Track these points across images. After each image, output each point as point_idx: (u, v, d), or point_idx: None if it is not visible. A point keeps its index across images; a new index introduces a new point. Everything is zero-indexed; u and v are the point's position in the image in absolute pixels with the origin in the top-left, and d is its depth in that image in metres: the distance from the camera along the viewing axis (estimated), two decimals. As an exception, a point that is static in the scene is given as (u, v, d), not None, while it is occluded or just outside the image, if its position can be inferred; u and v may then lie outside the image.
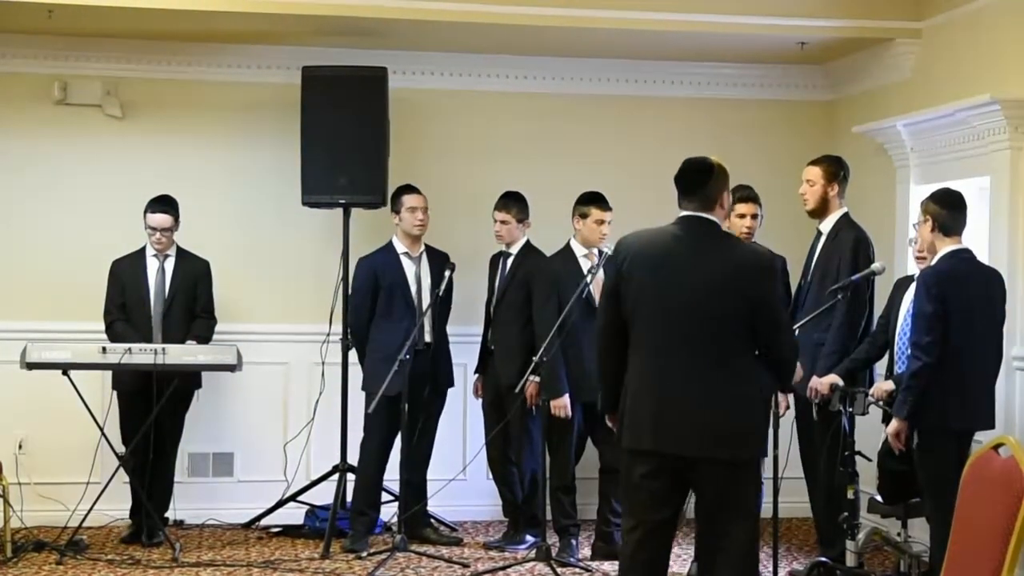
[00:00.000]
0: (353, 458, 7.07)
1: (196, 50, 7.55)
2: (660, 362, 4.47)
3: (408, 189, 7.01)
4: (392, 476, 6.95)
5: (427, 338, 6.88)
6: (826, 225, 6.27)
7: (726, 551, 4.48)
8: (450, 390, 7.20)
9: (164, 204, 6.92)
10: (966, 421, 5.45)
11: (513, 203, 7.02)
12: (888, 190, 7.25)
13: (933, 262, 5.53)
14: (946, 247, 5.48)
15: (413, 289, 6.93)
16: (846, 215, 6.26)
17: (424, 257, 7.01)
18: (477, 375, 7.26)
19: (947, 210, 5.50)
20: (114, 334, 6.83)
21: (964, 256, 5.49)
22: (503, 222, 7.00)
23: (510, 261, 7.02)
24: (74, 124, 7.52)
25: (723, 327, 4.44)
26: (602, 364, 4.71)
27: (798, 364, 6.16)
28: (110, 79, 7.53)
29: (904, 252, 6.97)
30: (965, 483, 4.34)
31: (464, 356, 7.31)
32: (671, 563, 6.44)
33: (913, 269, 6.19)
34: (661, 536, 4.59)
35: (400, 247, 6.98)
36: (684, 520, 5.02)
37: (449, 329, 7.17)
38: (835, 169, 6.28)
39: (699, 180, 4.56)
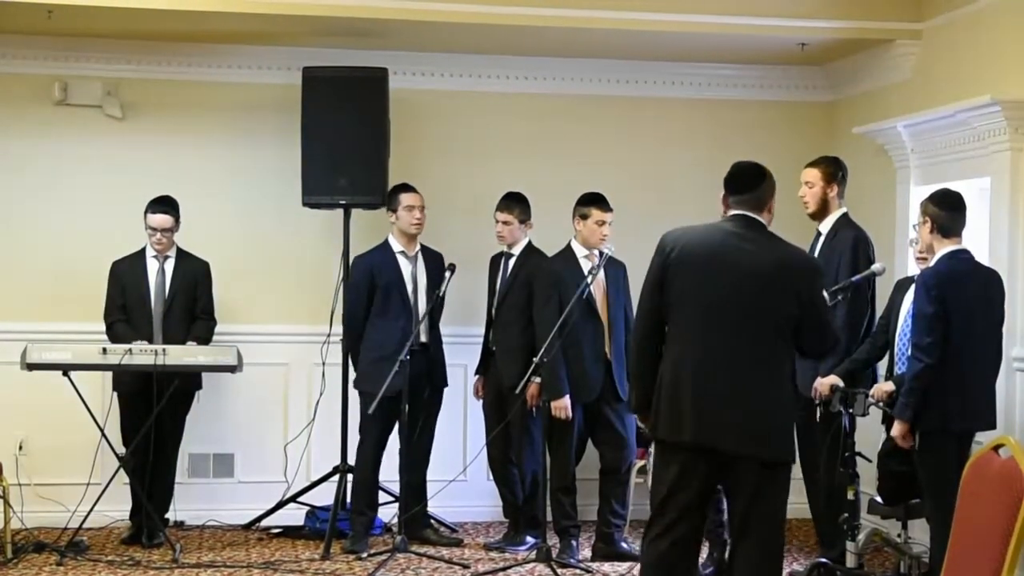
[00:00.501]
0: (353, 459, 7.07)
1: (196, 50, 7.55)
2: (703, 355, 4.49)
3: (405, 188, 7.01)
4: (392, 477, 6.95)
5: (423, 338, 6.88)
6: (825, 225, 6.27)
7: (754, 552, 4.52)
8: (450, 390, 7.19)
9: (164, 205, 6.92)
10: (967, 422, 5.46)
11: (515, 204, 7.02)
12: (888, 191, 7.25)
13: (932, 263, 5.53)
14: (945, 248, 5.48)
15: (409, 288, 6.92)
16: (845, 215, 6.26)
17: (420, 256, 7.01)
18: (478, 376, 7.25)
19: (946, 211, 5.50)
20: (115, 335, 6.84)
21: (963, 257, 5.49)
22: (505, 223, 7.00)
23: (512, 262, 7.02)
24: (74, 125, 7.52)
25: (768, 325, 4.49)
26: (639, 358, 4.71)
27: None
28: (110, 80, 7.53)
29: (904, 253, 6.96)
30: (965, 484, 4.34)
31: (465, 357, 7.31)
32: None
33: (914, 270, 6.19)
34: (690, 542, 4.60)
35: (396, 246, 6.98)
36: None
37: (450, 330, 7.18)
38: (833, 170, 6.28)
39: (753, 181, 4.66)
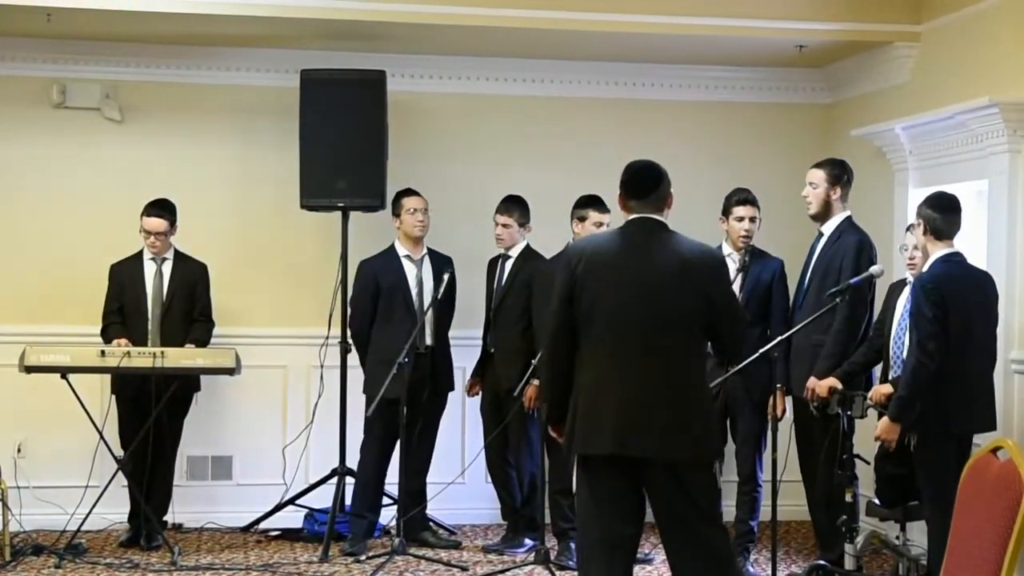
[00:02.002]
0: (352, 461, 7.07)
1: (195, 53, 7.55)
2: (618, 364, 4.43)
3: (408, 192, 7.02)
4: (392, 480, 6.95)
5: (428, 341, 6.88)
6: (828, 227, 6.26)
7: (709, 556, 4.44)
8: (450, 394, 7.20)
9: (159, 208, 6.91)
10: (968, 424, 5.46)
11: (515, 206, 7.02)
12: (886, 193, 7.25)
13: (926, 267, 5.53)
14: (938, 251, 5.48)
15: (414, 292, 6.93)
16: (848, 218, 6.26)
17: (426, 260, 7.01)
18: (474, 377, 7.24)
19: (940, 213, 5.50)
20: (108, 339, 6.83)
21: (956, 260, 5.50)
22: (504, 225, 7.00)
23: (509, 264, 7.02)
24: (73, 127, 7.53)
25: (680, 326, 4.44)
26: (553, 371, 4.62)
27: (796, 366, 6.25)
28: (109, 82, 7.54)
29: (903, 255, 6.96)
30: (963, 486, 4.34)
31: (464, 359, 7.31)
32: (660, 565, 6.48)
33: (906, 274, 6.19)
34: (623, 556, 4.49)
35: (402, 250, 6.99)
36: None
37: (449, 332, 7.17)
38: (839, 172, 6.27)
39: (652, 183, 4.59)
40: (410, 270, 6.96)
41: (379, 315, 6.91)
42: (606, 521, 4.46)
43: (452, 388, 7.16)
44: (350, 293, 7.09)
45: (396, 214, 7.00)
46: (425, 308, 6.85)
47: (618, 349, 4.44)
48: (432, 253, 7.05)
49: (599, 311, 4.47)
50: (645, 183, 4.60)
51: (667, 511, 4.46)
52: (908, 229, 5.96)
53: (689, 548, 4.46)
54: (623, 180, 4.65)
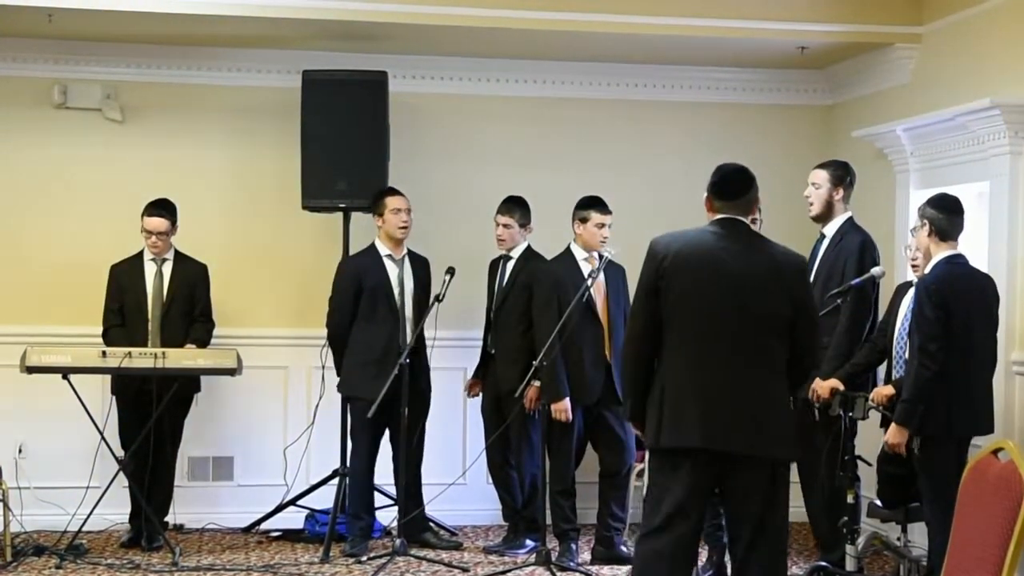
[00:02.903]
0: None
1: (196, 54, 7.56)
2: (704, 361, 4.46)
3: (390, 191, 7.00)
4: (391, 480, 6.95)
5: (410, 342, 6.86)
6: (830, 229, 6.26)
7: (767, 554, 4.49)
8: (449, 394, 7.21)
9: (160, 208, 6.91)
10: (970, 427, 5.45)
11: (516, 207, 7.02)
12: (888, 195, 7.25)
13: (928, 269, 5.52)
14: (942, 252, 5.48)
15: (396, 292, 6.91)
16: (851, 219, 6.25)
17: (407, 260, 7.00)
18: (474, 377, 7.24)
19: (944, 215, 5.50)
20: (109, 342, 6.83)
21: (959, 262, 5.49)
22: (505, 226, 7.00)
23: (511, 265, 7.02)
24: (74, 128, 7.53)
25: (765, 327, 4.47)
26: (634, 368, 4.64)
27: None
28: (110, 83, 7.54)
29: (904, 256, 6.95)
30: (964, 487, 4.34)
31: (464, 360, 7.32)
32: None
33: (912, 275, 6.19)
34: (689, 547, 4.54)
35: (383, 249, 6.96)
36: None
37: (449, 333, 7.17)
38: (842, 173, 6.27)
39: (743, 186, 4.66)
40: (392, 270, 6.94)
41: (360, 315, 6.89)
42: (679, 512, 4.46)
43: (430, 387, 7.11)
44: (332, 291, 7.05)
45: (378, 213, 6.96)
46: (410, 309, 6.85)
47: (705, 347, 4.47)
48: (411, 254, 7.04)
49: (685, 308, 4.49)
50: (736, 185, 4.66)
51: (742, 505, 4.49)
52: (912, 230, 5.96)
53: (759, 542, 4.48)
54: (712, 181, 4.70)
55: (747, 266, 4.50)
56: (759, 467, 4.45)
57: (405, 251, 7.01)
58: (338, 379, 7.01)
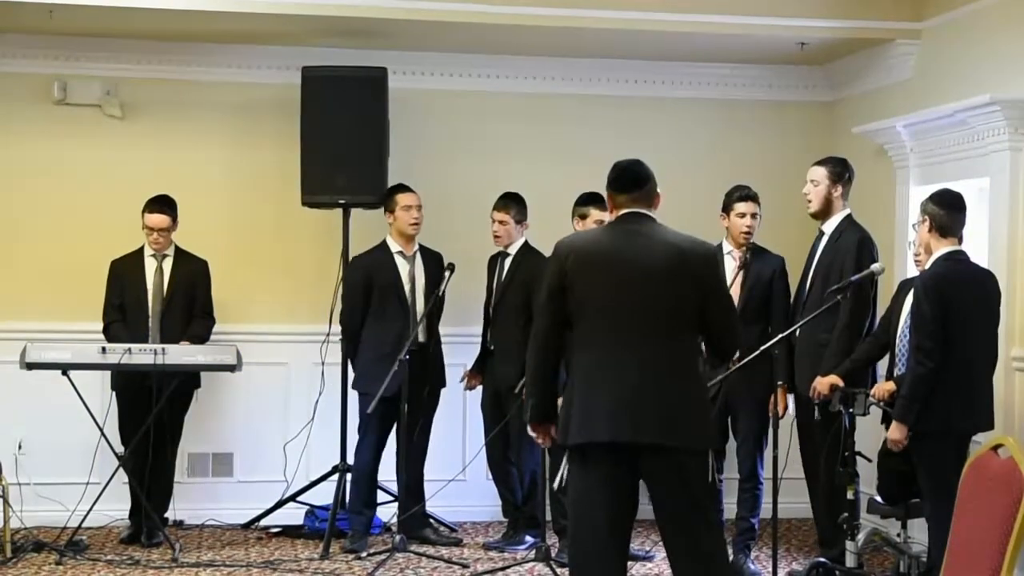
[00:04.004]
0: (352, 458, 7.07)
1: (196, 50, 7.55)
2: (611, 356, 4.44)
3: (401, 188, 7.01)
4: (391, 476, 6.95)
5: (420, 338, 6.87)
6: (829, 226, 6.26)
7: (700, 549, 4.42)
8: (450, 390, 7.20)
9: (161, 204, 6.92)
10: (969, 423, 5.45)
11: (512, 204, 7.02)
12: (888, 191, 7.25)
13: (928, 265, 5.53)
14: (942, 248, 5.48)
15: (407, 288, 6.92)
16: (849, 216, 6.25)
17: (418, 256, 7.01)
18: (472, 371, 7.23)
19: (945, 210, 5.50)
20: (110, 337, 6.83)
21: (959, 258, 5.49)
22: (501, 222, 7.00)
23: (508, 261, 7.02)
24: (74, 124, 7.53)
25: (672, 318, 4.44)
26: (540, 368, 4.62)
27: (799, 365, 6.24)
28: (110, 79, 7.54)
29: (903, 253, 6.97)
30: (964, 484, 4.35)
31: (463, 356, 7.31)
32: (661, 563, 6.49)
33: (915, 271, 6.19)
34: (618, 543, 4.48)
35: (394, 246, 6.98)
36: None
37: (448, 330, 7.18)
38: (840, 170, 6.27)
39: (642, 178, 4.67)
40: (403, 267, 6.96)
41: (371, 311, 6.91)
42: (600, 509, 4.44)
43: (444, 385, 7.13)
44: (343, 289, 7.07)
45: (389, 210, 6.98)
46: (421, 305, 6.85)
47: (611, 341, 4.45)
48: (424, 249, 7.05)
49: (591, 305, 4.48)
50: (631, 178, 4.67)
51: (664, 500, 4.44)
52: (914, 226, 5.96)
53: (683, 540, 4.44)
54: (609, 179, 4.72)
55: (649, 258, 4.48)
56: (671, 457, 4.39)
57: (417, 247, 7.01)
58: (353, 375, 7.02)
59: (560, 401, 4.62)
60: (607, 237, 4.62)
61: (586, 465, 4.50)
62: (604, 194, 6.70)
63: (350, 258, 7.12)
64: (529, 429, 4.81)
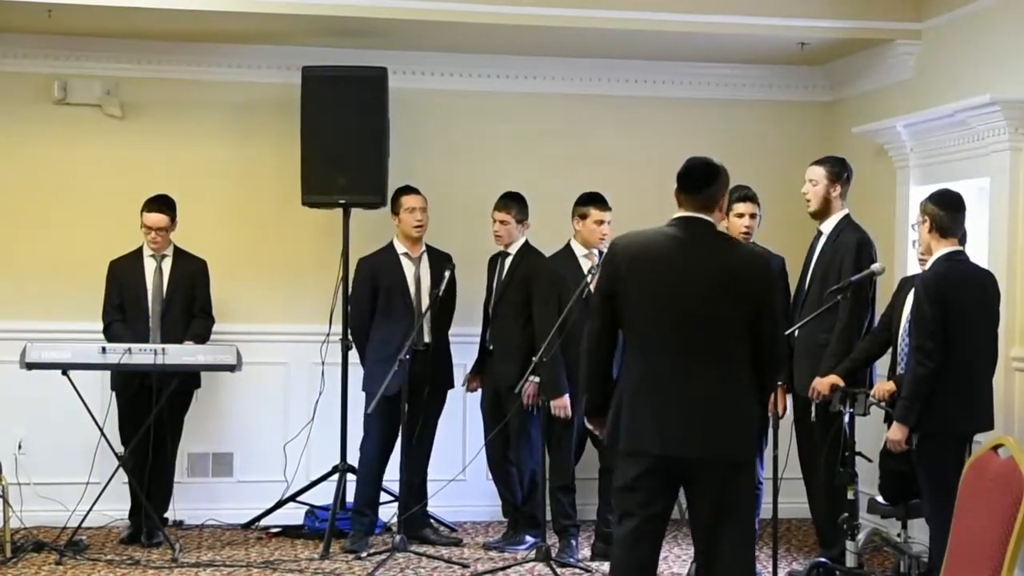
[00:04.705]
0: (353, 458, 7.07)
1: (196, 50, 7.55)
2: (661, 364, 4.43)
3: (407, 190, 7.02)
4: (392, 477, 6.95)
5: (426, 339, 6.88)
6: (827, 226, 6.26)
7: (725, 553, 4.45)
8: (450, 391, 7.20)
9: (160, 203, 6.91)
10: (969, 424, 5.45)
11: (513, 203, 7.02)
12: (888, 191, 7.25)
13: (928, 265, 5.52)
14: (942, 249, 5.47)
15: (412, 290, 6.93)
16: (847, 216, 6.26)
17: (425, 258, 7.01)
18: (472, 373, 7.24)
19: (945, 211, 5.50)
20: (111, 336, 6.83)
21: (959, 258, 5.49)
22: (502, 222, 7.00)
23: (508, 261, 7.02)
24: (74, 124, 7.53)
25: (724, 329, 4.42)
26: (592, 366, 4.64)
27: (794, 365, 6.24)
28: (110, 79, 7.53)
29: (904, 253, 6.97)
30: (964, 484, 4.34)
31: (463, 356, 7.31)
32: (672, 564, 6.50)
33: (916, 269, 6.19)
34: (654, 533, 4.53)
35: (400, 248, 6.99)
36: (682, 517, 4.97)
37: (448, 330, 7.16)
38: (839, 170, 6.27)
39: (706, 180, 4.53)
40: (408, 268, 6.96)
41: (378, 313, 6.92)
42: (639, 508, 4.46)
43: (452, 386, 7.16)
44: (350, 291, 7.09)
45: (395, 212, 7.00)
46: (425, 306, 6.85)
47: (661, 350, 4.43)
48: (431, 251, 7.05)
49: (643, 311, 4.46)
50: (697, 180, 4.53)
51: (706, 508, 4.45)
52: (914, 226, 5.96)
53: (716, 547, 4.45)
54: (679, 173, 4.59)
55: (703, 268, 4.44)
56: (716, 468, 4.41)
57: (423, 248, 7.01)
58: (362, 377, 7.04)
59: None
60: (662, 242, 4.51)
61: (631, 467, 4.49)
62: (604, 193, 6.83)
63: (354, 258, 7.11)
64: (585, 421, 4.83)
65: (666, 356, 4.43)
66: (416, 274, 6.96)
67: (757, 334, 4.45)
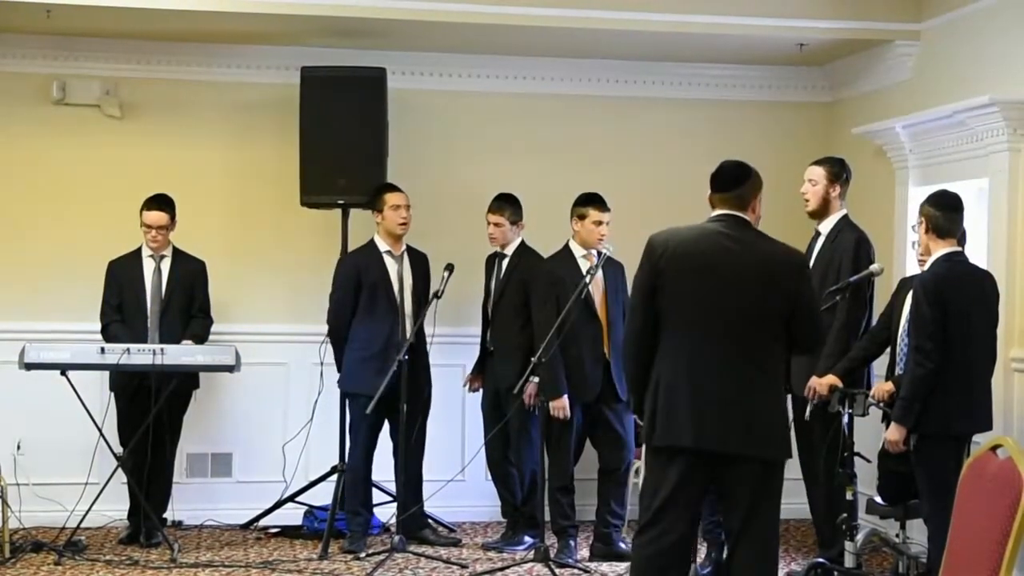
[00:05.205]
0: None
1: (195, 50, 7.55)
2: (698, 359, 4.47)
3: (389, 188, 7.00)
4: (390, 477, 6.95)
5: (410, 337, 6.85)
6: (825, 226, 6.27)
7: (753, 551, 4.50)
8: (448, 391, 7.21)
9: (160, 202, 6.92)
10: (968, 425, 5.44)
11: (506, 205, 7.02)
12: (887, 192, 7.25)
13: (927, 266, 5.52)
14: (940, 249, 5.47)
15: (396, 288, 6.92)
16: (846, 216, 6.26)
17: (406, 256, 7.00)
18: (473, 373, 7.24)
19: (942, 212, 5.49)
20: (109, 337, 6.83)
21: (958, 259, 5.49)
22: (496, 224, 7.00)
23: (506, 262, 7.02)
24: (73, 124, 7.53)
25: (761, 325, 4.48)
26: (635, 365, 4.66)
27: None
28: (109, 79, 7.53)
29: (903, 253, 6.97)
30: (963, 484, 4.34)
31: (462, 357, 7.32)
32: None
33: (915, 269, 6.19)
34: (687, 544, 4.60)
35: (382, 246, 6.97)
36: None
37: (445, 330, 7.15)
38: (838, 170, 6.27)
39: (738, 179, 4.63)
40: (391, 266, 6.94)
41: (360, 311, 6.89)
42: (672, 506, 4.50)
43: (430, 384, 7.11)
44: (332, 287, 7.04)
45: (378, 209, 6.96)
46: (409, 305, 6.86)
47: (698, 347, 4.47)
48: (410, 250, 7.04)
49: (681, 305, 4.50)
50: (729, 177, 4.63)
51: (738, 503, 4.50)
52: (913, 227, 5.96)
53: (749, 541, 4.50)
54: (712, 174, 4.70)
55: (742, 264, 4.49)
56: (750, 465, 4.46)
57: (404, 247, 7.01)
58: (339, 375, 7.01)
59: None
60: (700, 239, 4.58)
61: (665, 464, 4.53)
62: (603, 194, 6.82)
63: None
64: (635, 421, 4.85)
65: (701, 353, 4.47)
66: (399, 272, 6.95)
67: (792, 327, 4.51)
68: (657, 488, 4.55)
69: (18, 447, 7.29)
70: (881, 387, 5.84)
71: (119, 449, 6.86)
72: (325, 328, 7.14)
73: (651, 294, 4.55)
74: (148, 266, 6.97)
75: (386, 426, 6.97)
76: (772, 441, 4.50)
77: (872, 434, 6.23)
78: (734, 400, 4.44)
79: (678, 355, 4.50)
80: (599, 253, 6.69)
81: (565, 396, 6.61)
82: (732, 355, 4.46)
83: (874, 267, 5.99)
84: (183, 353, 6.67)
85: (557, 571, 6.36)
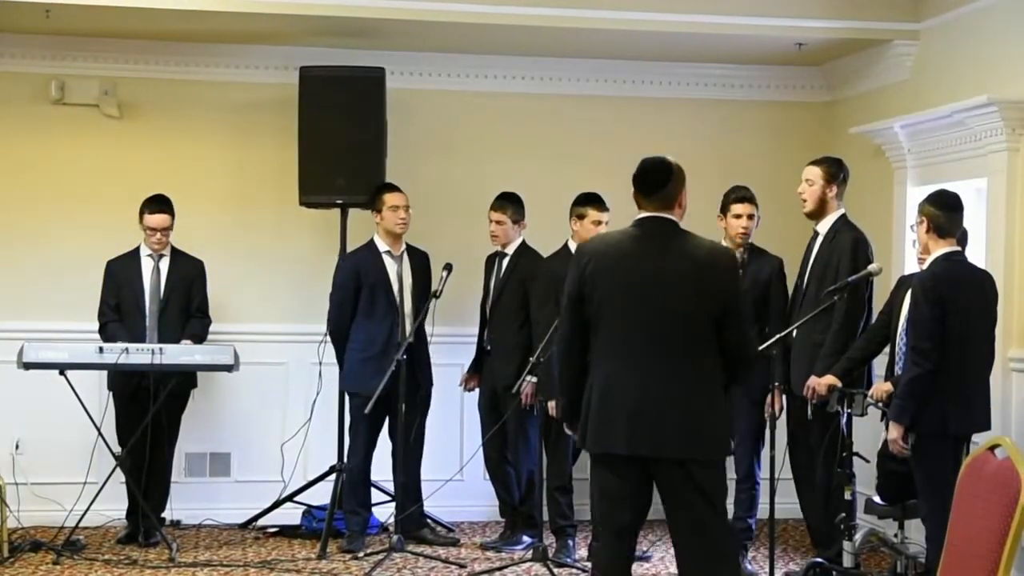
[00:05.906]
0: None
1: (194, 50, 7.56)
2: (630, 364, 4.44)
3: (389, 188, 7.00)
4: (389, 477, 6.95)
5: (408, 337, 6.86)
6: (823, 226, 6.27)
7: (711, 550, 4.46)
8: (446, 390, 7.20)
9: (162, 204, 6.92)
10: (966, 424, 5.44)
11: (509, 204, 7.02)
12: (886, 191, 7.25)
13: (926, 265, 5.52)
14: (940, 249, 5.47)
15: (395, 288, 6.92)
16: (843, 216, 6.26)
17: (406, 256, 7.00)
18: (470, 372, 7.24)
19: (942, 211, 5.49)
20: (107, 336, 6.83)
21: (957, 259, 5.48)
22: (498, 222, 7.00)
23: (506, 261, 7.03)
24: (71, 124, 7.53)
25: (691, 326, 4.44)
26: (567, 372, 4.66)
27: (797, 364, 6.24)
28: (107, 79, 7.54)
29: (901, 253, 6.97)
30: (961, 484, 4.34)
31: (460, 356, 7.32)
32: (670, 564, 6.50)
33: (914, 269, 6.19)
34: (629, 539, 4.57)
35: (382, 246, 6.97)
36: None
37: (445, 330, 7.16)
38: (835, 170, 6.27)
39: (659, 180, 4.55)
40: (391, 266, 6.95)
41: (360, 311, 6.90)
42: (616, 512, 4.51)
43: (432, 383, 7.13)
44: (332, 287, 7.05)
45: (377, 210, 6.97)
46: (409, 304, 6.87)
47: (628, 349, 4.46)
48: (410, 249, 7.04)
49: (609, 311, 4.48)
50: (651, 180, 4.56)
51: (677, 506, 4.48)
52: (912, 226, 5.96)
53: (694, 542, 4.47)
54: (633, 175, 4.62)
55: (667, 266, 4.46)
56: (687, 467, 4.42)
57: (404, 246, 7.01)
58: (340, 375, 7.01)
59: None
60: (626, 243, 4.56)
61: (603, 470, 4.54)
62: (602, 194, 6.83)
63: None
64: (565, 427, 4.85)
65: (632, 357, 4.45)
66: (399, 272, 6.95)
67: (724, 331, 4.47)
68: (599, 492, 4.57)
69: (16, 446, 7.30)
70: (880, 387, 5.83)
71: (117, 449, 6.86)
72: (324, 328, 7.14)
73: (578, 301, 4.54)
74: (147, 266, 6.97)
75: (386, 426, 6.97)
76: (707, 441, 4.45)
77: (871, 434, 6.23)
78: (664, 403, 4.40)
79: (608, 361, 4.49)
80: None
81: (564, 396, 6.60)
82: (659, 358, 4.42)
83: (872, 267, 5.99)
84: (182, 353, 6.67)
85: (555, 571, 6.36)
